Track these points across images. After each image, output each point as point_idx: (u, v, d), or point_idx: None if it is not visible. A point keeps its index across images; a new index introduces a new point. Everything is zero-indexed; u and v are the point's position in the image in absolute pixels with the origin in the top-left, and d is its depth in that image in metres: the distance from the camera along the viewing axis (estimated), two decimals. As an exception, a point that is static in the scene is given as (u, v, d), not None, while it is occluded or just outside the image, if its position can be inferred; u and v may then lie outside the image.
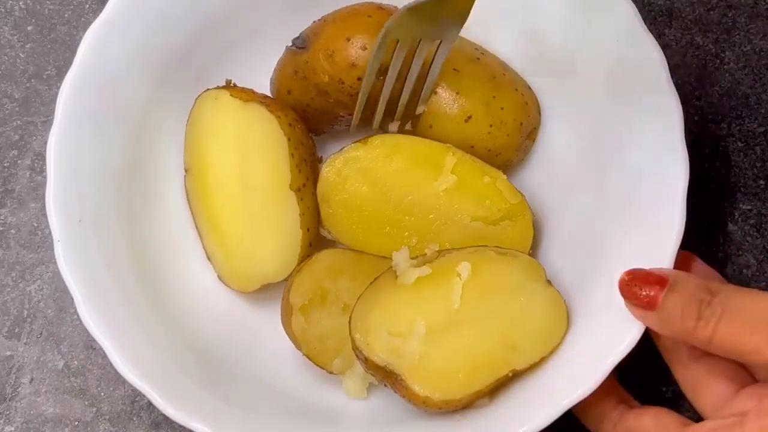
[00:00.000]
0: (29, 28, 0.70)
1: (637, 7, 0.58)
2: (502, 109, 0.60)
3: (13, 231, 0.65)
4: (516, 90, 0.61)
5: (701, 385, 0.53)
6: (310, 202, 0.60)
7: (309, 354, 0.57)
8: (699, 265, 0.58)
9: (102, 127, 0.58)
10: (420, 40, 0.56)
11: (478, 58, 0.61)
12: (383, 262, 0.58)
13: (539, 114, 0.63)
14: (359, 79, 0.58)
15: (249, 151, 0.59)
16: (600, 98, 0.60)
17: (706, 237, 0.64)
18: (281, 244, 0.59)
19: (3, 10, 0.70)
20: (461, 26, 0.56)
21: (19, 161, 0.67)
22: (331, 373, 0.58)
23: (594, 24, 0.59)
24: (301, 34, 0.60)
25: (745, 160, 0.65)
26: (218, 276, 0.61)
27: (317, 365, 0.58)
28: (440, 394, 0.53)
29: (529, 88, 0.63)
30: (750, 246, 0.64)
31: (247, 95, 0.59)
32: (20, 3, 0.70)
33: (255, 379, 0.59)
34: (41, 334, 0.63)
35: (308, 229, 0.59)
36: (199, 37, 0.62)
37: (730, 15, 0.68)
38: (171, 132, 0.61)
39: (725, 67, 0.67)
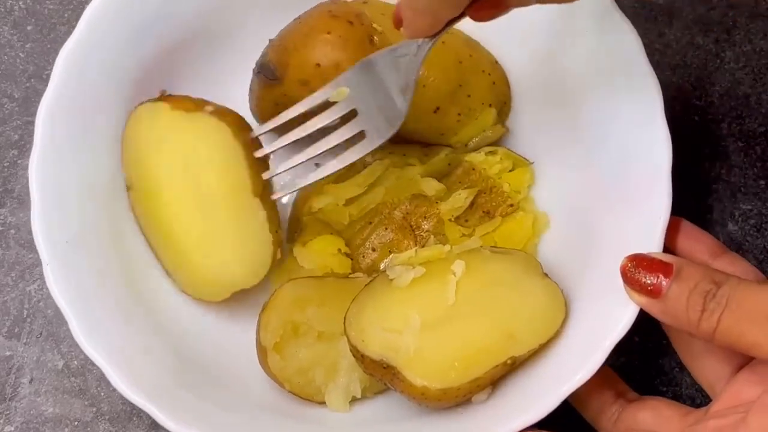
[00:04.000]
0: (29, 27, 0.70)
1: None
2: (468, 96, 0.61)
3: (12, 231, 0.65)
4: (483, 71, 0.62)
5: (699, 360, 0.53)
6: (270, 205, 0.59)
7: (293, 390, 0.57)
8: (688, 227, 0.57)
9: (81, 147, 0.58)
10: (356, 115, 0.56)
11: (444, 42, 0.61)
12: (348, 283, 0.58)
13: (509, 88, 0.64)
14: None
15: (200, 162, 0.57)
16: (576, 82, 0.60)
17: (706, 237, 0.64)
18: (250, 250, 0.58)
19: (3, 9, 0.70)
20: (394, 130, 0.55)
21: (19, 161, 0.67)
22: (320, 403, 0.57)
23: (568, 10, 0.58)
24: (266, 60, 0.59)
25: (745, 160, 0.65)
26: (182, 290, 0.60)
27: (304, 399, 0.57)
28: (438, 383, 0.52)
29: (497, 63, 0.63)
30: (750, 246, 0.64)
31: (189, 104, 0.58)
32: (20, 3, 0.70)
33: (253, 388, 0.58)
34: (41, 334, 0.63)
35: (276, 231, 0.59)
36: (174, 50, 0.61)
37: (730, 15, 0.68)
38: None
39: (725, 67, 0.67)
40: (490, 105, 0.62)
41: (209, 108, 0.58)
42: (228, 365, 0.59)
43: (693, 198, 0.64)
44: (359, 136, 0.56)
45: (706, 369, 0.53)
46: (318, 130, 0.57)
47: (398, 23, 0.50)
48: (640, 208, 0.55)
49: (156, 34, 0.60)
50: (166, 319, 0.59)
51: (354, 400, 0.57)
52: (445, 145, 0.63)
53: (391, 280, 0.56)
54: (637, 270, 0.51)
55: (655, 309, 0.51)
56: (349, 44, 0.57)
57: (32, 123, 0.68)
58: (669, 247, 0.55)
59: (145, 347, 0.56)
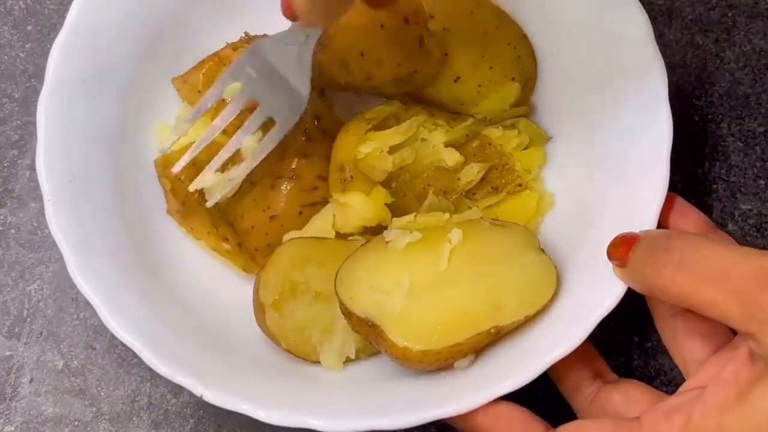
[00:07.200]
0: (29, 27, 0.70)
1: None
2: (490, 68, 0.61)
3: (12, 231, 0.65)
4: (508, 44, 0.62)
5: (677, 343, 0.53)
6: None
7: (289, 348, 0.57)
8: (681, 203, 0.57)
9: (91, 89, 0.59)
10: (258, 107, 0.58)
11: (472, 12, 0.61)
12: (347, 245, 0.58)
13: (535, 64, 0.63)
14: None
15: None
16: (591, 65, 0.61)
17: (706, 237, 0.64)
18: None
19: (3, 9, 0.70)
20: (300, 110, 0.57)
21: (19, 161, 0.67)
22: (315, 363, 0.58)
23: None
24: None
25: (745, 160, 0.65)
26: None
27: (299, 357, 0.58)
28: (419, 345, 0.53)
29: (525, 37, 0.63)
30: (750, 246, 0.64)
31: None
32: (20, 3, 0.70)
33: (251, 345, 0.59)
34: (41, 333, 0.63)
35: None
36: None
37: (730, 15, 0.68)
38: (160, 94, 0.62)
39: (725, 67, 0.67)
40: (513, 79, 0.62)
41: None
42: (225, 317, 0.60)
43: (693, 198, 0.64)
44: (270, 124, 0.58)
45: (684, 350, 0.52)
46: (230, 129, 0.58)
47: (289, 14, 0.50)
48: (638, 187, 0.56)
49: None
50: (164, 266, 0.60)
51: (348, 360, 0.58)
52: (470, 115, 0.63)
53: (387, 242, 0.56)
54: (613, 243, 0.52)
55: (625, 278, 0.52)
56: (393, 41, 0.57)
57: (32, 123, 0.68)
58: (662, 224, 0.56)
59: (140, 289, 0.57)
